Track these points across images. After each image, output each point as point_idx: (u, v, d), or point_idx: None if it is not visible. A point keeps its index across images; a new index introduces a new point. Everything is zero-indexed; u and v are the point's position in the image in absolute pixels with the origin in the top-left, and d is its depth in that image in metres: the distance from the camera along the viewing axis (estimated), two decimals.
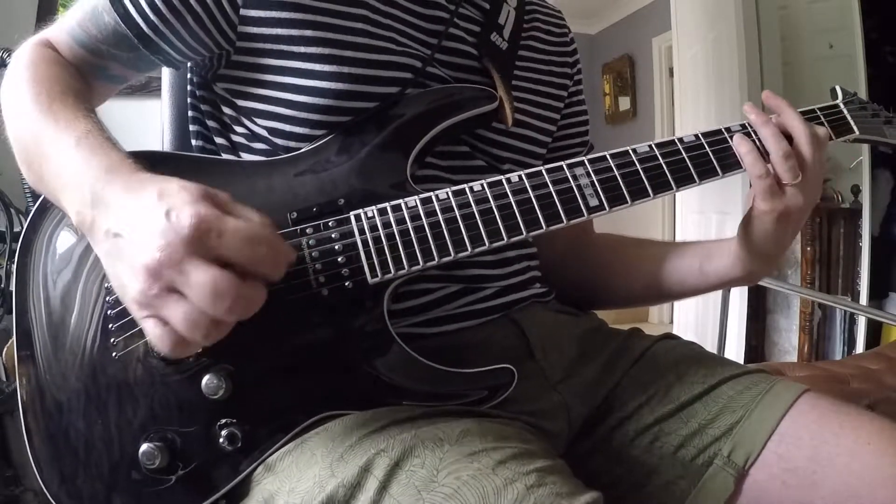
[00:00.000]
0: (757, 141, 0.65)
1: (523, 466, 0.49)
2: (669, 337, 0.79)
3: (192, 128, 0.73)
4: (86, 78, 0.66)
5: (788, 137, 0.65)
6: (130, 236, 0.45)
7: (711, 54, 2.86)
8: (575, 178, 0.62)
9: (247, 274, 0.44)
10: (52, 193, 0.57)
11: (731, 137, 0.66)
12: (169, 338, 0.45)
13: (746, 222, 0.68)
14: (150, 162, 0.53)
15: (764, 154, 0.64)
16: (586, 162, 0.62)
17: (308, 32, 0.63)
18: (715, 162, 0.65)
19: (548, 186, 0.61)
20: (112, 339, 0.58)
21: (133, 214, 0.46)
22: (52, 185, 0.56)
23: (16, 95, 0.61)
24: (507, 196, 0.60)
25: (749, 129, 0.67)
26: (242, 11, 0.63)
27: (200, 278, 0.43)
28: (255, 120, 0.66)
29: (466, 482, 0.47)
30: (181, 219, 0.43)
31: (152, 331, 0.45)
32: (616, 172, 0.62)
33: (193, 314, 0.43)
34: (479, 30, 0.73)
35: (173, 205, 0.44)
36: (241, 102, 0.67)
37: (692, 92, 3.04)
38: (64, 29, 0.66)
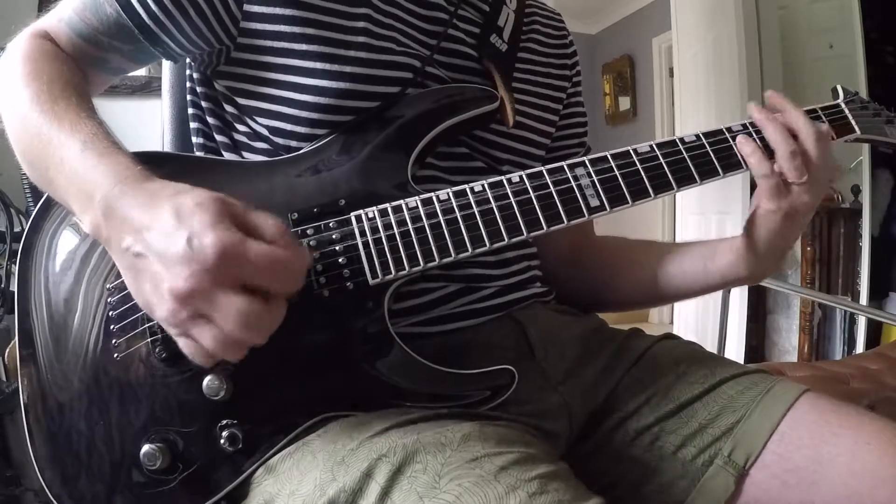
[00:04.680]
0: (759, 140, 0.65)
1: (526, 472, 0.48)
2: (669, 337, 0.78)
3: (192, 125, 0.73)
4: (84, 69, 0.65)
5: (793, 136, 0.64)
6: (153, 259, 0.46)
7: (711, 54, 2.86)
8: (576, 178, 0.61)
9: (269, 294, 0.46)
10: (61, 197, 0.56)
11: (734, 138, 0.65)
12: (201, 354, 0.47)
13: (752, 221, 0.67)
14: (153, 163, 0.53)
15: (768, 153, 0.64)
16: (587, 162, 0.62)
17: (310, 30, 0.63)
18: (716, 162, 0.65)
19: (549, 187, 0.61)
20: (114, 341, 0.58)
21: (153, 236, 0.46)
22: (60, 189, 0.55)
23: (15, 92, 0.59)
24: (508, 196, 0.60)
25: (751, 128, 0.66)
26: (246, 7, 0.63)
27: (228, 308, 0.44)
28: (257, 119, 0.66)
29: (469, 489, 0.47)
30: (204, 247, 0.43)
31: (184, 346, 0.47)
32: (617, 173, 0.62)
33: (223, 338, 0.45)
34: (479, 31, 0.73)
35: (194, 230, 0.44)
36: (241, 101, 0.67)
37: (692, 92, 3.04)
38: (62, 19, 0.64)
